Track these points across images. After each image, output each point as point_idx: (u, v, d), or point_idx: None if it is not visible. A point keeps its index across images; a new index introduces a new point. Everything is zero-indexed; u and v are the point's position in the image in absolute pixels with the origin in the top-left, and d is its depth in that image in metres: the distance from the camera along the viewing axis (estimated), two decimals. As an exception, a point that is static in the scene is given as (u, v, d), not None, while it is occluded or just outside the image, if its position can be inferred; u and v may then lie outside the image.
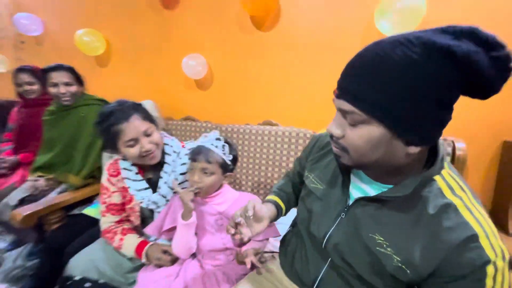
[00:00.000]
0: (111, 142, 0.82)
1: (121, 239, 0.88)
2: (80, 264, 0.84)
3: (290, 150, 1.18)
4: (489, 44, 0.35)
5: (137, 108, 0.84)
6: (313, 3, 1.15)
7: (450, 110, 0.40)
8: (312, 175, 0.63)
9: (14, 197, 1.27)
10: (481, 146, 0.98)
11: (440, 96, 0.38)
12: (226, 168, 0.82)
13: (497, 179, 0.97)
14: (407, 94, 0.37)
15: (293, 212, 0.76)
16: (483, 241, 0.39)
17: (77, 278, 0.82)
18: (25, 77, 1.52)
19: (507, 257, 0.40)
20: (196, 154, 0.80)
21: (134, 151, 0.81)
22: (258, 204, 0.60)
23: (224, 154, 0.81)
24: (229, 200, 0.86)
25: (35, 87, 1.53)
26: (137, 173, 0.90)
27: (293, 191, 0.78)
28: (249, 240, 0.59)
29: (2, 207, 1.27)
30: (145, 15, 1.56)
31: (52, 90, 1.27)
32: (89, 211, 1.18)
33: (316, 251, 0.60)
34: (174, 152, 0.92)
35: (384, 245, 0.47)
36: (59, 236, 1.06)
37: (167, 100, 1.58)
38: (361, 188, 0.54)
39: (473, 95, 0.39)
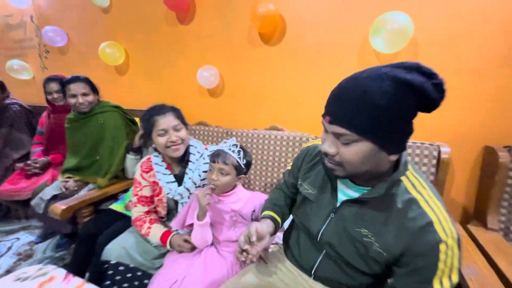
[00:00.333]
0: (148, 130, 1.00)
1: (149, 227, 1.02)
2: (114, 250, 0.99)
3: (295, 153, 1.31)
4: (430, 75, 0.48)
5: (174, 109, 1.03)
6: (315, 22, 1.28)
7: (412, 124, 0.53)
8: (305, 182, 0.75)
9: (47, 193, 1.43)
10: (465, 150, 1.10)
11: (408, 115, 0.50)
12: (240, 170, 0.95)
13: (479, 180, 1.09)
14: (387, 116, 0.48)
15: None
16: (437, 226, 0.51)
17: (112, 262, 0.96)
18: (54, 86, 1.66)
19: (455, 236, 0.52)
20: (215, 156, 0.93)
21: (162, 140, 0.98)
22: (259, 226, 0.71)
23: (240, 158, 0.93)
24: (242, 199, 0.98)
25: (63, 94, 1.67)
26: (166, 168, 1.05)
27: (285, 203, 0.86)
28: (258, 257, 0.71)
29: (37, 202, 1.43)
30: (162, 29, 1.71)
31: (72, 100, 1.38)
32: (115, 206, 1.32)
33: (312, 244, 0.73)
34: (198, 152, 1.08)
35: (369, 235, 0.59)
36: (91, 227, 1.20)
37: (182, 107, 1.68)
38: (346, 192, 0.66)
39: (422, 111, 0.51)
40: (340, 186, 0.67)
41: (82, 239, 1.18)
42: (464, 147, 1.09)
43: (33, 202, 1.44)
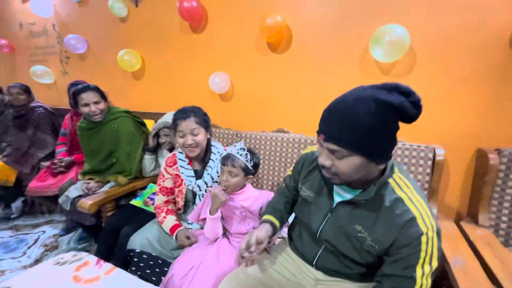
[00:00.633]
0: (173, 130, 1.14)
1: (164, 217, 1.15)
2: (139, 240, 1.10)
3: (300, 154, 1.40)
4: (408, 93, 0.56)
5: (197, 113, 1.13)
6: (319, 32, 1.37)
7: (396, 136, 0.62)
8: (304, 186, 0.83)
9: (73, 192, 1.55)
10: (460, 153, 1.17)
11: (391, 130, 0.59)
12: (248, 172, 1.04)
13: (473, 181, 1.16)
14: (373, 134, 0.56)
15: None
16: (419, 221, 0.60)
17: (137, 250, 1.08)
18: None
19: (435, 229, 0.61)
20: (225, 159, 1.04)
21: (180, 141, 1.11)
22: (259, 234, 0.80)
23: (247, 160, 1.03)
24: (251, 197, 1.08)
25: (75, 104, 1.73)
26: (188, 164, 1.19)
27: (284, 207, 0.94)
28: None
29: (64, 199, 1.56)
30: (176, 37, 1.83)
31: (85, 109, 1.42)
32: (135, 202, 1.44)
33: (313, 239, 0.82)
34: (218, 152, 1.20)
35: (362, 231, 0.68)
36: (114, 221, 1.32)
37: (194, 110, 1.84)
38: (341, 194, 0.74)
39: (403, 122, 0.59)
40: (336, 189, 0.75)
41: (107, 231, 1.30)
42: (459, 150, 1.16)
43: (60, 200, 1.57)
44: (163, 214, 1.15)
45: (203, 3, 1.64)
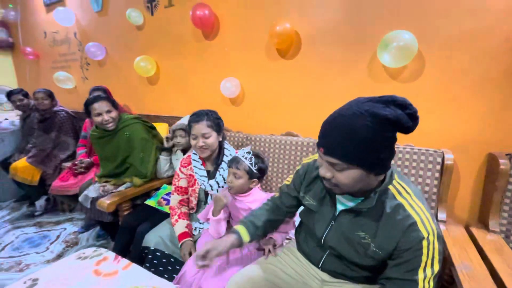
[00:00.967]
0: (189, 130, 1.20)
1: (176, 220, 1.20)
2: (153, 238, 1.17)
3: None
4: (404, 106, 0.58)
5: (210, 117, 1.19)
6: (327, 38, 1.39)
7: (394, 148, 0.63)
8: (307, 195, 0.85)
9: (91, 192, 1.63)
10: (471, 157, 1.16)
11: (388, 143, 0.60)
12: (252, 175, 1.07)
13: (484, 186, 1.15)
14: (371, 147, 0.58)
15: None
16: (420, 226, 0.62)
17: (151, 248, 1.14)
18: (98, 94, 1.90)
19: (435, 233, 0.62)
20: (231, 161, 1.09)
21: (193, 142, 1.18)
22: (217, 247, 0.81)
23: (251, 164, 1.06)
24: (258, 200, 1.10)
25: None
26: (201, 164, 1.25)
27: (264, 225, 0.90)
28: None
29: (84, 198, 1.65)
30: (189, 44, 1.90)
31: (97, 119, 1.46)
32: (149, 202, 1.51)
33: (318, 245, 0.85)
34: (230, 155, 1.26)
35: (366, 237, 0.70)
36: (130, 219, 1.40)
37: (206, 114, 1.91)
38: (343, 202, 0.76)
39: (401, 133, 0.61)
40: (338, 197, 0.77)
41: (123, 229, 1.38)
42: (469, 154, 1.15)
43: (80, 198, 1.67)
44: (176, 217, 1.21)
45: (215, 11, 1.71)
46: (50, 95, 2.28)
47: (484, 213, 1.11)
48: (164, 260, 1.14)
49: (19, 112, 2.59)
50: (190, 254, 1.11)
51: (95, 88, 1.93)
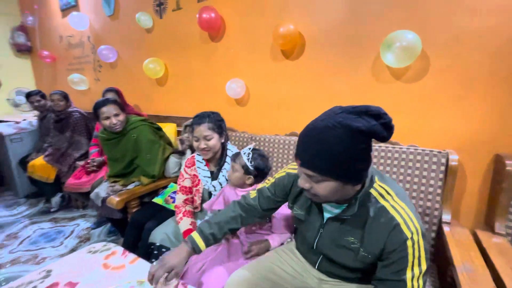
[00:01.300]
0: (192, 132, 1.24)
1: (181, 218, 1.24)
2: (158, 235, 1.21)
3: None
4: (378, 116, 0.57)
5: (211, 119, 1.22)
6: (331, 39, 1.39)
7: (370, 158, 0.63)
8: (295, 205, 0.86)
9: (102, 191, 1.67)
10: (476, 158, 1.13)
11: (362, 154, 0.60)
12: (247, 171, 1.11)
13: (490, 187, 1.12)
14: (344, 159, 0.58)
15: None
16: (403, 226, 0.63)
17: (157, 244, 1.18)
18: (110, 96, 1.97)
19: (420, 231, 0.63)
20: (233, 155, 1.14)
21: (195, 144, 1.22)
22: (160, 268, 0.77)
23: (248, 160, 1.10)
24: None
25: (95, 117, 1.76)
26: (205, 165, 1.29)
27: (224, 233, 0.89)
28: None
29: (95, 196, 1.72)
30: (196, 46, 1.94)
31: (105, 122, 1.50)
32: (156, 200, 1.56)
33: (311, 250, 0.87)
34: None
35: (355, 242, 0.72)
36: (138, 216, 1.45)
37: (212, 114, 1.95)
38: (329, 210, 0.77)
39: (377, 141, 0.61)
40: (324, 205, 0.78)
41: (132, 226, 1.43)
42: (475, 155, 1.13)
43: (92, 196, 1.74)
44: (180, 215, 1.24)
45: (221, 14, 1.74)
46: (65, 96, 2.38)
47: (490, 215, 1.09)
48: (169, 256, 1.18)
49: (37, 113, 2.71)
50: None
51: (107, 89, 2.01)
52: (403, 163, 1.18)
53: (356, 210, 0.68)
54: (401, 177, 1.18)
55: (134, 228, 1.41)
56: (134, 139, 1.59)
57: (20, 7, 3.47)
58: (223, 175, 1.25)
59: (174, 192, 1.55)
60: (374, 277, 0.70)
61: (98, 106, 1.50)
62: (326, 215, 0.78)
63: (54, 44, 3.20)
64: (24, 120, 2.87)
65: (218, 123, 1.23)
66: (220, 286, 0.90)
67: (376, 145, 1.26)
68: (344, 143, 0.57)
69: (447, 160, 1.10)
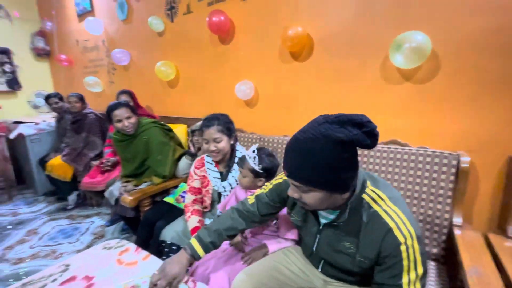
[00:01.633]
0: (201, 135, 1.26)
1: (189, 217, 1.27)
2: (169, 233, 1.25)
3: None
4: (361, 124, 0.57)
5: (220, 122, 1.22)
6: (339, 40, 1.39)
7: (357, 165, 0.63)
8: (293, 212, 0.87)
9: (116, 190, 1.75)
10: (489, 161, 1.11)
11: (348, 164, 0.61)
12: (257, 174, 1.10)
13: (504, 190, 1.10)
14: (328, 170, 0.59)
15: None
16: (396, 231, 0.62)
17: (168, 242, 1.22)
18: (124, 97, 2.05)
19: (414, 236, 0.62)
20: (239, 160, 1.14)
21: (205, 147, 1.24)
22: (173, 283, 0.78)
23: (255, 164, 1.08)
24: None
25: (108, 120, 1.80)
26: (214, 166, 1.31)
27: (221, 240, 0.90)
28: None
29: (109, 194, 1.79)
30: (206, 49, 1.98)
31: (118, 125, 1.54)
32: (168, 199, 1.61)
33: (312, 255, 0.88)
34: None
35: (351, 247, 0.72)
36: (150, 215, 1.50)
37: (221, 115, 1.98)
38: (324, 216, 0.78)
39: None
40: (319, 211, 0.79)
41: (144, 224, 1.48)
42: (488, 158, 1.11)
43: (106, 194, 1.81)
44: (189, 214, 1.28)
45: (231, 16, 1.77)
46: (81, 98, 2.48)
47: (503, 218, 1.06)
48: (179, 254, 1.21)
49: (55, 114, 2.83)
50: None
51: (121, 91, 2.08)
52: (412, 164, 1.17)
53: (348, 217, 0.69)
54: (410, 179, 1.17)
55: (146, 226, 1.46)
56: (146, 140, 1.64)
57: (39, 13, 3.63)
58: (232, 176, 1.27)
59: (185, 192, 1.59)
60: (372, 281, 0.71)
61: (110, 109, 1.55)
62: (322, 221, 0.78)
63: (71, 48, 3.33)
64: (43, 121, 3.00)
65: (227, 125, 1.25)
66: (228, 284, 0.92)
67: (385, 147, 1.26)
68: (327, 154, 0.57)
69: (458, 162, 1.09)
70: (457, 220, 1.10)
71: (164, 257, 1.19)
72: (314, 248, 0.83)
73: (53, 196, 2.80)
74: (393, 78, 1.28)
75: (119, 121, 1.55)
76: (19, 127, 2.75)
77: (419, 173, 1.16)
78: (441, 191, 1.11)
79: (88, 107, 2.58)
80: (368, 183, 0.70)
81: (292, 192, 0.68)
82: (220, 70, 1.95)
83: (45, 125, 2.93)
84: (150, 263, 0.96)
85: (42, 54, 3.63)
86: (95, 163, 2.23)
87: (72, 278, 0.88)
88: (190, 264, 0.88)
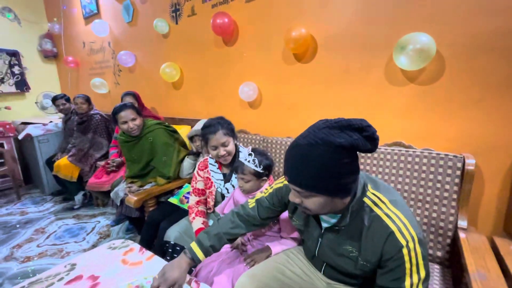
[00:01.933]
0: (204, 143, 1.25)
1: (193, 218, 1.28)
2: (173, 233, 1.26)
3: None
4: (361, 129, 0.57)
5: (223, 125, 1.22)
6: (343, 42, 1.39)
7: (357, 169, 0.63)
8: (294, 216, 0.88)
9: (121, 191, 1.76)
10: (495, 163, 1.09)
11: (349, 168, 0.60)
12: (260, 175, 1.10)
13: (510, 193, 1.08)
14: (328, 175, 0.59)
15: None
16: (397, 234, 0.62)
17: (172, 242, 1.23)
18: (128, 99, 2.07)
19: (415, 239, 0.62)
20: (235, 168, 1.14)
21: (214, 152, 1.23)
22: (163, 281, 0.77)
23: (255, 166, 1.07)
24: None
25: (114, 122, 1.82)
26: (217, 168, 1.32)
27: (222, 243, 0.90)
28: None
29: (115, 195, 1.81)
30: (210, 50, 1.99)
31: (123, 126, 1.57)
32: (172, 199, 1.63)
33: (314, 258, 0.88)
34: None
35: (353, 251, 0.72)
36: (155, 215, 1.51)
37: (225, 116, 1.96)
38: (326, 220, 0.77)
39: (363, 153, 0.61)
40: (321, 216, 0.78)
41: (148, 224, 1.50)
42: (494, 160, 1.10)
43: (112, 195, 1.83)
44: (193, 215, 1.29)
45: (235, 18, 1.78)
46: (87, 100, 2.51)
47: (510, 222, 1.05)
48: (183, 254, 1.23)
49: (62, 115, 2.87)
50: None
51: (126, 93, 2.10)
52: (417, 167, 1.16)
53: (349, 220, 0.68)
54: (414, 182, 1.17)
55: (150, 226, 1.48)
56: (150, 142, 1.66)
57: (47, 16, 3.69)
58: (235, 177, 1.28)
59: (189, 193, 1.61)
60: (375, 284, 0.70)
61: (116, 111, 1.58)
62: (324, 225, 0.78)
63: (78, 50, 3.38)
64: (51, 122, 3.05)
65: (229, 127, 1.25)
66: (231, 285, 0.93)
67: (389, 149, 1.25)
68: (327, 160, 0.57)
69: (464, 165, 1.08)
70: (462, 223, 1.09)
71: (167, 258, 1.20)
72: (316, 252, 0.84)
73: (60, 196, 2.85)
74: (397, 80, 1.27)
75: (125, 122, 1.57)
76: (27, 127, 2.80)
77: (423, 175, 1.15)
78: (446, 194, 1.10)
79: (94, 108, 2.61)
80: (369, 186, 0.70)
81: (294, 198, 0.68)
82: (224, 72, 1.96)
83: (52, 126, 2.98)
84: (154, 263, 0.97)
85: (49, 56, 3.69)
86: (101, 163, 2.26)
87: (78, 277, 0.90)
88: (190, 270, 0.89)
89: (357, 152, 0.61)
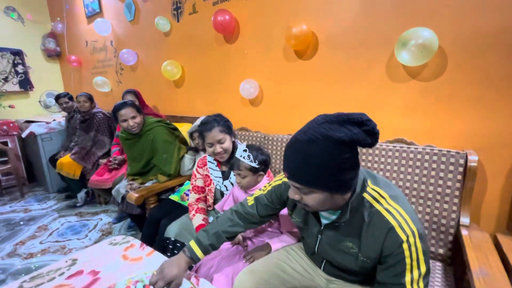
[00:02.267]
0: (201, 140, 1.25)
1: (194, 215, 1.28)
2: (173, 230, 1.26)
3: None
4: (361, 123, 0.57)
5: (219, 122, 1.22)
6: (344, 38, 1.38)
7: (358, 164, 0.62)
8: (293, 213, 0.87)
9: (122, 188, 1.76)
10: (499, 160, 1.08)
11: (349, 164, 0.59)
12: (256, 170, 1.10)
13: (514, 189, 1.07)
14: (329, 171, 0.58)
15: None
16: (397, 230, 0.62)
17: (172, 239, 1.24)
18: (129, 97, 2.08)
19: (416, 234, 0.61)
20: (232, 165, 1.14)
21: (210, 150, 1.23)
22: (161, 279, 0.76)
23: (250, 161, 1.07)
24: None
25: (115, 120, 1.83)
26: (216, 165, 1.32)
27: (220, 241, 0.89)
28: None
29: (116, 192, 1.81)
30: (212, 48, 1.99)
31: (123, 124, 1.57)
32: (173, 197, 1.63)
33: (314, 255, 0.87)
34: None
35: (354, 247, 0.71)
36: (156, 212, 1.52)
37: (226, 114, 1.95)
38: (325, 216, 0.77)
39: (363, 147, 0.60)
40: (320, 212, 0.78)
41: (149, 221, 1.50)
42: (498, 157, 1.08)
43: (113, 192, 1.83)
44: (193, 212, 1.29)
45: (236, 16, 1.77)
46: (90, 98, 2.53)
47: (513, 219, 1.04)
48: (183, 251, 1.23)
49: (65, 114, 2.89)
50: None
51: (127, 91, 2.11)
52: (419, 163, 1.15)
53: (349, 217, 0.68)
54: (416, 178, 1.15)
55: (151, 223, 1.48)
56: (151, 139, 1.66)
57: (50, 15, 3.72)
58: (234, 175, 1.28)
59: (189, 190, 1.61)
60: (375, 280, 0.70)
61: (116, 109, 1.58)
62: (323, 222, 0.78)
63: (80, 49, 3.40)
64: (54, 120, 3.07)
65: (226, 124, 1.25)
66: (231, 282, 0.93)
67: (391, 145, 1.24)
68: (328, 155, 0.57)
69: (466, 161, 1.06)
70: (465, 220, 1.08)
71: (168, 254, 1.21)
72: (316, 249, 0.83)
73: (65, 192, 2.87)
74: (399, 76, 1.26)
75: (125, 120, 1.58)
76: (30, 126, 2.83)
77: (425, 172, 1.14)
78: (448, 191, 1.09)
79: (97, 106, 2.63)
80: (369, 181, 0.69)
81: (293, 194, 0.67)
82: (225, 69, 1.96)
83: (55, 124, 3.00)
84: (154, 259, 0.97)
85: (52, 55, 3.71)
86: (103, 161, 2.28)
87: (79, 272, 0.90)
88: (190, 267, 0.89)
89: (358, 147, 0.61)
